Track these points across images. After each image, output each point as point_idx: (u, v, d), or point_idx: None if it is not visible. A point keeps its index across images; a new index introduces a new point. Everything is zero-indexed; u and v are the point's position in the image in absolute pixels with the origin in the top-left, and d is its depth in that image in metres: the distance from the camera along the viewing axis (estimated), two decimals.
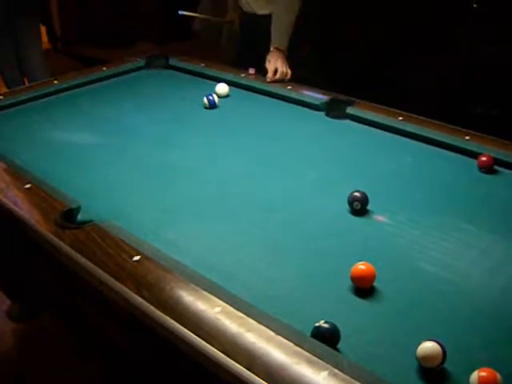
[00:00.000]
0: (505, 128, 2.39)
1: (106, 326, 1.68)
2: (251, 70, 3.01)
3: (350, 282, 1.54)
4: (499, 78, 3.65)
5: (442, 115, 2.49)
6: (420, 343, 1.29)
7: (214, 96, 2.70)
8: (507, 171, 2.16)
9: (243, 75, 3.00)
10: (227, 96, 2.81)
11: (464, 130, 2.36)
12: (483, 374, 1.19)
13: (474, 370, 1.21)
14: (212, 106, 2.68)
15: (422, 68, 3.78)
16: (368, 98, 2.67)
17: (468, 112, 3.76)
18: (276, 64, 2.96)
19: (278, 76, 2.93)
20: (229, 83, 2.89)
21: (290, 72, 2.97)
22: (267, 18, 3.17)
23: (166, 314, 1.35)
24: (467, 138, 2.30)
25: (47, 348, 2.80)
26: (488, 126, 2.38)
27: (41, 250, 1.72)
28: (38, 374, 2.69)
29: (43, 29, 5.98)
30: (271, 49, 3.07)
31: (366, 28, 4.19)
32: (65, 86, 2.88)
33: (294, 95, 2.77)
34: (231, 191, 2.04)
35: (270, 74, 2.95)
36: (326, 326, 1.33)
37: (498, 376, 1.18)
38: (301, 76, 3.01)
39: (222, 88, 2.82)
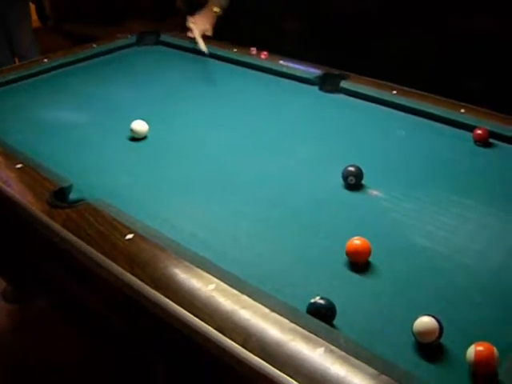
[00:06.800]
0: (499, 102, 2.37)
1: (99, 306, 1.67)
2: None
3: (345, 258, 1.53)
4: (493, 52, 3.61)
5: (436, 89, 2.47)
6: (416, 318, 1.28)
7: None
8: (503, 144, 2.14)
9: (235, 50, 2.97)
10: (146, 137, 2.22)
11: (459, 103, 2.35)
12: (480, 348, 1.18)
13: (470, 344, 1.20)
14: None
15: (413, 40, 3.74)
16: (358, 70, 2.65)
17: (462, 86, 3.74)
18: (199, 26, 3.09)
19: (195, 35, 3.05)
20: (221, 58, 2.88)
21: (209, 30, 3.11)
22: None
23: (160, 293, 1.33)
24: (462, 111, 2.29)
25: (43, 330, 2.80)
26: (482, 100, 2.36)
27: (33, 230, 1.71)
28: (34, 354, 2.69)
29: (33, 7, 5.92)
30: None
31: None
32: (55, 64, 2.84)
33: (286, 70, 2.75)
34: (223, 168, 2.02)
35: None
36: (321, 302, 1.32)
37: (495, 350, 1.17)
38: (292, 51, 2.98)
39: (139, 125, 2.22)
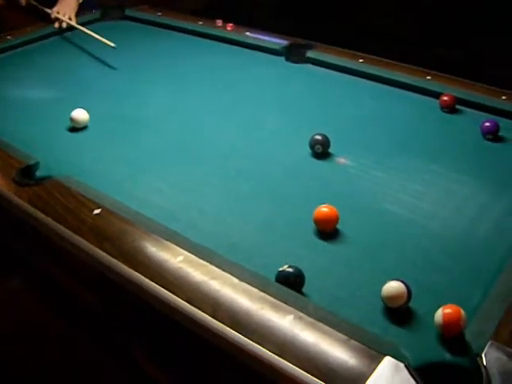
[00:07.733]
0: (467, 69, 2.39)
1: (70, 283, 1.66)
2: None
3: (313, 226, 1.54)
4: (461, 19, 3.63)
5: (404, 57, 2.48)
6: (385, 283, 1.29)
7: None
8: (469, 110, 2.16)
9: (200, 23, 2.95)
10: (86, 126, 2.11)
11: (425, 70, 2.36)
12: (448, 310, 1.19)
13: (438, 307, 1.21)
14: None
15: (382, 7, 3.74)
16: (328, 39, 2.65)
17: (430, 54, 3.75)
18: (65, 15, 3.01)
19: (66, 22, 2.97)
20: (186, 31, 2.87)
21: (73, 18, 3.01)
22: None
23: (129, 266, 1.33)
24: (429, 78, 2.30)
25: (18, 310, 2.78)
26: (450, 68, 2.38)
27: (1, 209, 1.69)
28: (10, 335, 2.68)
29: None
30: None
31: None
32: (19, 41, 2.81)
33: (252, 41, 2.74)
34: (191, 141, 2.01)
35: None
36: (289, 270, 1.32)
37: (462, 312, 1.18)
38: (263, 22, 2.97)
39: (80, 114, 2.11)
